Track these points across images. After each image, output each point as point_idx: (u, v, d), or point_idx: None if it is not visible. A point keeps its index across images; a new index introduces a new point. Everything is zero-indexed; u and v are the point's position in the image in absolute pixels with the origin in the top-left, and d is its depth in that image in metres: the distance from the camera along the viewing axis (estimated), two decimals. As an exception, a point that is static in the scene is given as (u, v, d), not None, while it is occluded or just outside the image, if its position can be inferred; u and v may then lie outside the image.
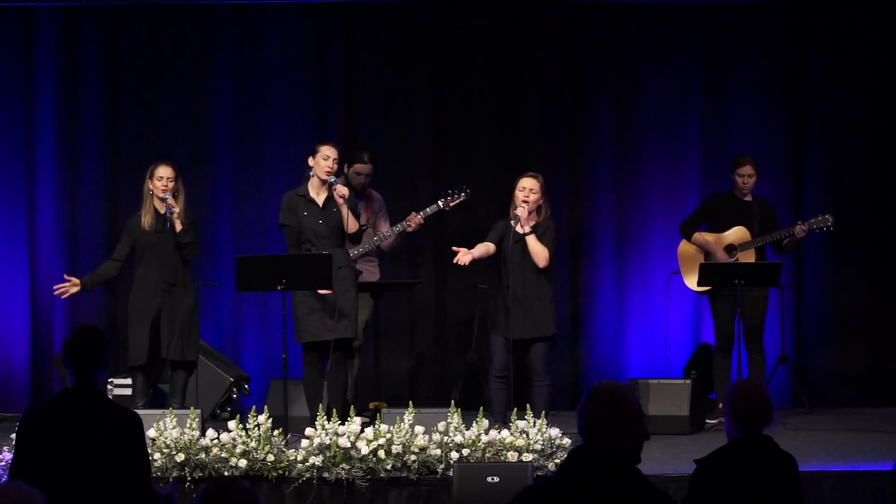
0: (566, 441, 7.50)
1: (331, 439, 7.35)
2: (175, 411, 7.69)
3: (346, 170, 9.04)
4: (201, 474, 7.34)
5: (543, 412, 7.69)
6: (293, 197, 8.40)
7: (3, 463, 7.32)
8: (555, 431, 7.52)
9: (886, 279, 10.35)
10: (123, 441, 5.12)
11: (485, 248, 8.38)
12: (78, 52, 10.25)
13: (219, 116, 10.35)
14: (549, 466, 7.40)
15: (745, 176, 9.18)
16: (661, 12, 10.35)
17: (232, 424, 7.50)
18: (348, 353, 8.43)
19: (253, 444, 7.38)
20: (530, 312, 8.32)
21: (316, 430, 7.44)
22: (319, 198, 8.37)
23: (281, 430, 7.50)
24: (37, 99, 10.23)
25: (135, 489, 5.12)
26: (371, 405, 8.98)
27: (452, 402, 7.79)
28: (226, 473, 7.30)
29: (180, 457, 7.35)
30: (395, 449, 7.35)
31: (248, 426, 7.47)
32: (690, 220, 9.40)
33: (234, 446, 7.40)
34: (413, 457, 7.36)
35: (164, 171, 8.44)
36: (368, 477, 7.33)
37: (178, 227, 8.41)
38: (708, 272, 8.98)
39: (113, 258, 8.65)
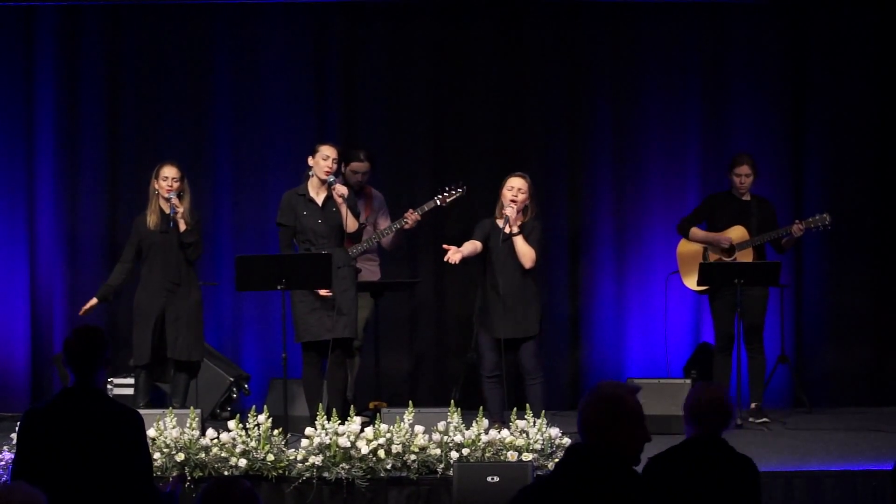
0: (566, 440, 7.50)
1: (331, 439, 7.35)
2: (175, 411, 7.69)
3: (342, 168, 9.04)
4: (201, 474, 7.34)
5: (543, 412, 7.69)
6: (293, 196, 8.41)
7: (3, 463, 7.32)
8: (555, 431, 7.52)
9: (886, 278, 10.35)
10: (125, 440, 5.12)
11: (472, 246, 8.38)
12: (78, 51, 10.25)
13: (219, 116, 10.35)
14: (549, 466, 7.40)
15: (743, 175, 9.18)
16: (661, 12, 10.35)
17: (232, 424, 7.50)
18: (348, 352, 8.43)
19: (253, 443, 7.38)
20: (515, 312, 8.32)
21: (316, 429, 7.44)
22: (319, 197, 8.38)
23: (281, 429, 7.50)
24: (37, 99, 10.23)
25: (136, 488, 5.12)
26: (371, 405, 8.98)
27: (452, 401, 7.80)
28: (226, 473, 7.30)
29: (180, 456, 7.35)
30: (395, 448, 7.35)
31: (247, 426, 7.47)
32: (689, 220, 9.40)
33: (234, 446, 7.40)
34: (413, 456, 7.36)
35: (169, 171, 8.45)
36: (368, 476, 7.34)
37: (182, 226, 8.41)
38: (708, 271, 8.98)
39: (120, 261, 8.66)
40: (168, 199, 8.42)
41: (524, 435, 7.47)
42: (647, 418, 4.06)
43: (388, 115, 10.40)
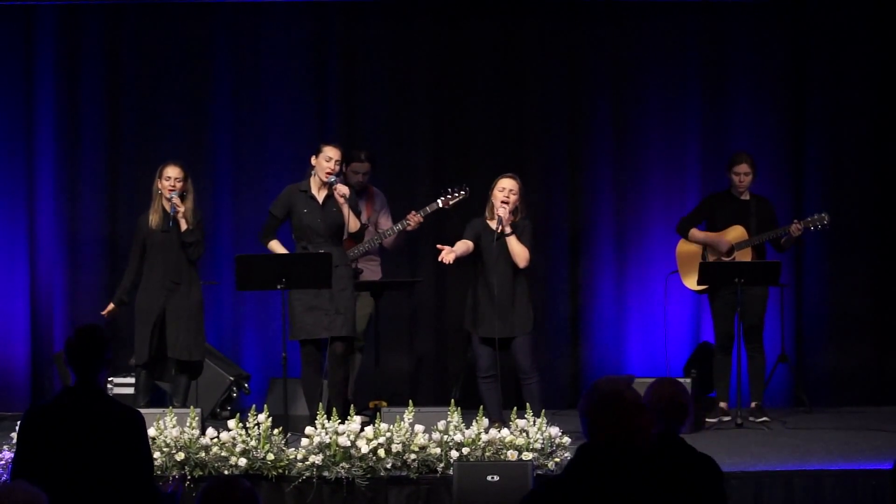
0: (566, 440, 7.50)
1: (331, 438, 7.35)
2: (175, 410, 7.69)
3: (343, 168, 9.05)
4: (201, 473, 7.34)
5: (543, 411, 7.69)
6: (294, 191, 8.45)
7: (4, 462, 7.32)
8: (554, 430, 7.52)
9: (886, 278, 10.35)
10: (125, 439, 5.12)
11: (465, 246, 8.40)
12: (78, 51, 10.24)
13: (219, 116, 10.35)
14: (549, 465, 7.41)
15: (742, 174, 9.18)
16: (662, 12, 10.35)
17: (232, 423, 7.50)
18: (348, 350, 8.44)
19: (253, 442, 7.38)
20: (508, 311, 8.35)
21: (316, 428, 7.44)
22: (320, 195, 8.40)
23: (281, 428, 7.51)
24: (37, 99, 10.23)
25: (137, 487, 5.12)
26: (371, 404, 8.98)
27: (452, 400, 7.80)
28: (226, 472, 7.30)
29: (180, 456, 7.35)
30: (395, 448, 7.35)
31: (247, 425, 7.47)
32: (688, 220, 9.41)
33: (234, 445, 7.40)
34: (413, 455, 7.37)
35: (172, 172, 8.48)
36: (368, 476, 7.34)
37: (184, 225, 8.43)
38: (708, 271, 8.98)
39: (129, 266, 8.68)
40: (169, 199, 8.45)
41: (524, 434, 7.47)
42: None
43: (388, 114, 10.40)
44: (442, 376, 10.25)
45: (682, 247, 9.43)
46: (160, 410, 7.69)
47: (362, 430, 7.43)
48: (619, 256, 10.40)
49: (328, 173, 8.31)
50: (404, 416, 7.51)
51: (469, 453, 7.36)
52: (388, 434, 7.39)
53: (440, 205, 8.80)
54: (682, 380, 8.87)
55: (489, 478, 7.18)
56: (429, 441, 7.41)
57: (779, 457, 7.89)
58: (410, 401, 7.74)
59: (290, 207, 8.42)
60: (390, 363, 9.84)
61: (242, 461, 7.33)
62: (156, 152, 9.75)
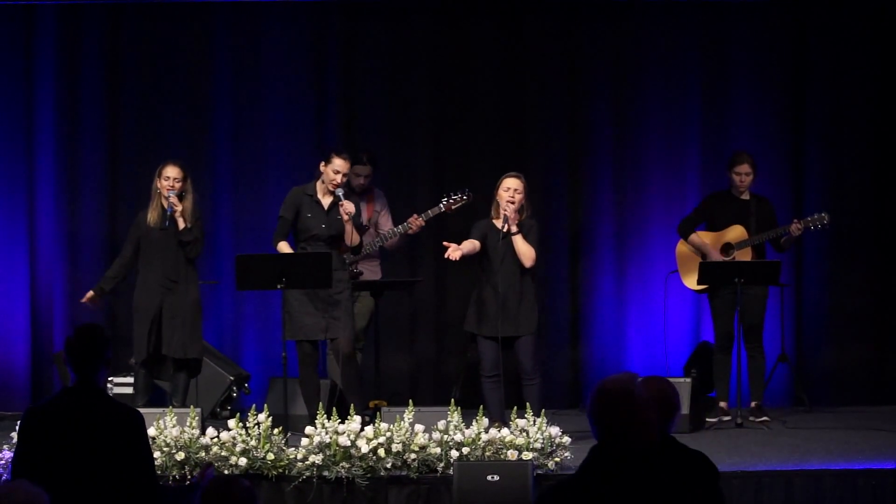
0: (566, 440, 7.50)
1: (331, 438, 7.35)
2: (175, 410, 7.69)
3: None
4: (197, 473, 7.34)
5: (543, 410, 7.69)
6: (300, 194, 8.46)
7: (4, 462, 7.33)
8: (554, 430, 7.52)
9: (886, 277, 10.35)
10: (126, 439, 5.11)
11: (471, 245, 8.41)
12: (78, 51, 10.25)
13: (219, 116, 10.35)
14: (549, 465, 7.41)
15: (743, 174, 9.18)
16: (662, 11, 10.35)
17: (232, 423, 7.50)
18: (353, 348, 8.46)
19: (253, 442, 7.39)
20: (514, 311, 8.36)
21: (316, 428, 7.45)
22: (325, 201, 8.43)
23: (281, 428, 7.51)
24: (37, 98, 10.23)
25: (137, 487, 5.12)
26: (371, 404, 8.98)
27: (452, 400, 7.80)
28: (226, 472, 7.30)
29: (180, 455, 7.36)
30: (395, 447, 7.35)
31: (248, 425, 7.47)
32: (689, 220, 9.40)
33: (234, 445, 7.40)
34: (413, 455, 7.37)
35: (171, 171, 8.50)
36: (368, 475, 7.34)
37: (181, 224, 8.45)
38: (708, 271, 8.98)
39: (120, 257, 8.71)
40: (167, 198, 8.46)
41: (524, 434, 7.47)
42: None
43: (388, 115, 10.40)
44: (442, 376, 10.25)
45: (683, 246, 9.43)
46: (160, 410, 7.70)
47: (362, 429, 7.43)
48: (619, 256, 10.40)
49: (335, 185, 8.34)
50: (404, 415, 7.51)
51: (469, 453, 7.37)
52: (388, 434, 7.39)
53: (442, 209, 8.81)
54: (682, 379, 8.91)
55: (489, 478, 7.18)
56: (429, 441, 7.41)
57: (779, 457, 7.89)
58: (410, 401, 7.74)
59: (297, 209, 8.44)
60: (390, 363, 9.84)
61: (242, 461, 7.33)
62: (156, 152, 9.74)
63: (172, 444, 7.39)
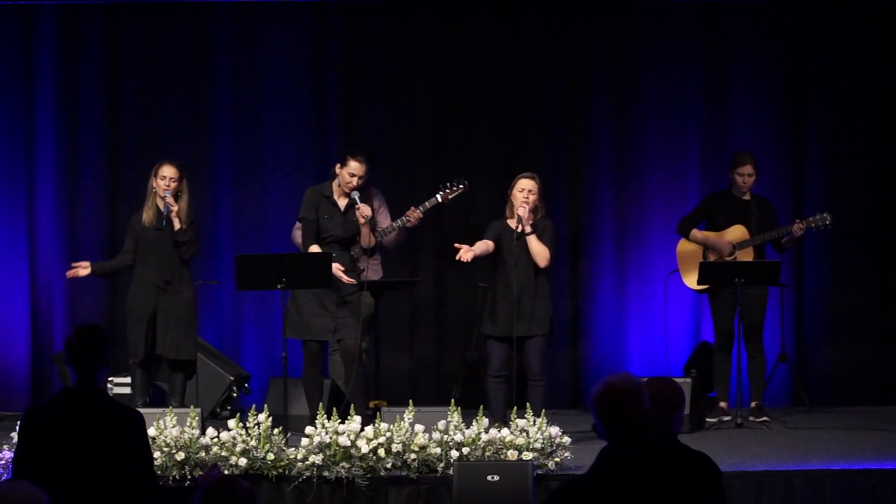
0: (566, 440, 7.50)
1: (331, 438, 7.36)
2: (175, 410, 7.70)
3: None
4: (201, 473, 7.34)
5: (543, 411, 7.69)
6: (316, 194, 8.51)
7: (4, 462, 7.33)
8: (555, 430, 7.52)
9: (886, 277, 10.34)
10: (125, 439, 5.12)
11: (485, 245, 8.44)
12: (78, 51, 10.24)
13: (219, 116, 10.35)
14: (549, 465, 7.41)
15: (746, 175, 9.17)
16: (662, 11, 10.34)
17: (232, 423, 7.50)
18: (359, 348, 8.49)
19: (253, 442, 7.39)
20: (527, 311, 8.38)
21: (316, 428, 7.45)
22: (341, 202, 8.47)
23: (281, 428, 7.51)
24: (37, 98, 10.23)
25: (138, 487, 5.12)
26: (371, 404, 8.98)
27: (452, 400, 7.80)
28: (226, 472, 7.30)
29: (180, 455, 7.36)
30: (395, 447, 7.36)
31: (248, 425, 7.47)
32: (688, 219, 9.40)
33: (234, 445, 7.40)
34: (413, 455, 7.37)
35: (167, 171, 8.51)
36: (368, 475, 7.34)
37: (177, 225, 8.45)
38: (708, 271, 8.98)
39: (123, 253, 8.73)
40: (163, 198, 8.46)
41: (524, 434, 7.47)
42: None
43: (388, 114, 10.40)
44: (442, 376, 10.25)
45: (683, 246, 9.43)
46: (160, 410, 7.70)
47: (362, 429, 7.43)
48: (619, 256, 10.40)
49: (351, 188, 8.39)
50: (404, 415, 7.51)
51: (469, 453, 7.37)
52: (388, 434, 7.39)
53: (439, 199, 8.82)
54: (682, 379, 8.91)
55: (489, 478, 7.18)
56: (429, 441, 7.41)
57: (779, 457, 7.89)
58: (410, 401, 7.74)
59: (316, 208, 8.47)
60: (390, 363, 9.84)
61: (243, 461, 7.33)
62: (156, 152, 9.73)
63: (172, 444, 7.39)
